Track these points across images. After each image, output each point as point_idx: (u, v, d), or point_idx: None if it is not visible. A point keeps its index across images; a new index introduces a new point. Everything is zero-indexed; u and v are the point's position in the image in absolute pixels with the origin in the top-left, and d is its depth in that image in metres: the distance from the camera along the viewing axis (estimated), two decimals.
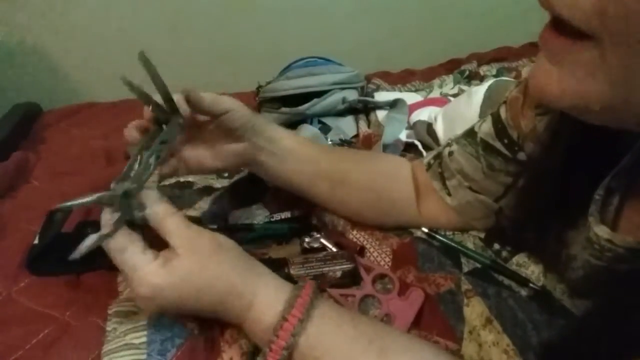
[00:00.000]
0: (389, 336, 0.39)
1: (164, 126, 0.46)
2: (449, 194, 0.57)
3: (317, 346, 0.37)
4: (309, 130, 0.89)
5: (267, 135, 0.56)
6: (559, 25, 0.26)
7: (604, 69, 0.25)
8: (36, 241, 0.56)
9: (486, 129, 0.53)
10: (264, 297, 0.40)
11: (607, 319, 0.32)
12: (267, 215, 0.64)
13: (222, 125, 0.52)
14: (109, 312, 0.48)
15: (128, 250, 0.39)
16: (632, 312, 0.30)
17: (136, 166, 0.42)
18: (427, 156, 0.62)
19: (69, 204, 0.39)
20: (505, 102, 0.52)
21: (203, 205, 0.65)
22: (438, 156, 0.59)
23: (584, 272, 0.41)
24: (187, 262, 0.39)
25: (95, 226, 0.57)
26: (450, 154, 0.57)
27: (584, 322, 0.38)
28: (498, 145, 0.52)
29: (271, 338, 0.37)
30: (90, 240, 0.39)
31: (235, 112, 0.52)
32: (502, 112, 0.51)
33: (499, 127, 0.51)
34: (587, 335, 0.33)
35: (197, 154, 0.54)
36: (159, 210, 0.41)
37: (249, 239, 0.57)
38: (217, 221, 0.62)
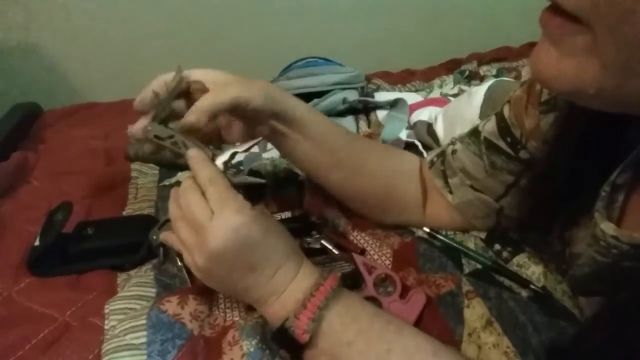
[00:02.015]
0: (403, 322, 0.43)
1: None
2: (451, 192, 0.58)
3: (346, 314, 0.40)
4: None
5: (289, 118, 0.52)
6: (556, 8, 0.27)
7: (597, 54, 0.26)
8: (37, 242, 0.56)
9: (490, 128, 0.53)
10: (305, 267, 0.44)
11: (614, 321, 0.32)
12: None
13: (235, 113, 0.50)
14: (106, 310, 0.48)
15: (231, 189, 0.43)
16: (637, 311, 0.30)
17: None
18: (431, 154, 0.63)
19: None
20: (509, 102, 0.52)
21: None
22: (441, 154, 0.60)
23: (589, 269, 0.41)
24: (272, 219, 0.44)
25: (95, 226, 0.57)
26: (454, 152, 0.57)
27: (590, 324, 0.38)
28: (501, 143, 0.52)
29: (308, 297, 0.40)
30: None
31: (241, 101, 0.47)
32: (506, 111, 0.52)
33: (502, 126, 0.52)
34: (595, 338, 0.33)
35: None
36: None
37: None
38: None
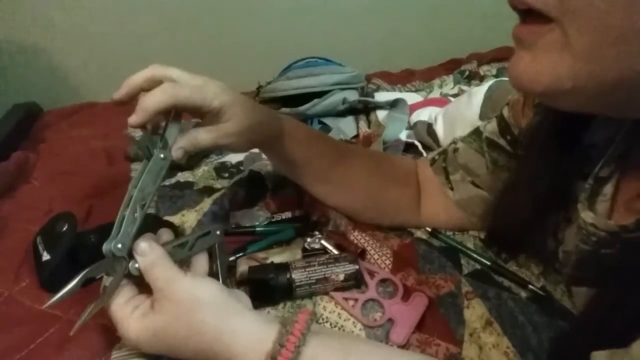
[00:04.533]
0: (381, 345, 0.41)
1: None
2: (452, 189, 0.58)
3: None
4: None
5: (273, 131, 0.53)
6: (526, 18, 0.30)
7: (569, 47, 0.28)
8: (45, 257, 0.53)
9: (491, 128, 0.55)
10: (241, 356, 0.38)
11: (604, 305, 0.34)
12: (267, 216, 0.64)
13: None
14: None
15: (112, 303, 0.41)
16: (622, 294, 0.32)
17: (126, 215, 0.41)
18: (432, 153, 0.64)
19: (61, 294, 0.39)
20: (508, 104, 0.53)
21: (203, 205, 0.65)
22: (443, 152, 0.61)
23: (575, 257, 0.43)
24: (159, 319, 0.39)
25: (96, 233, 0.56)
26: (455, 150, 0.59)
27: (583, 313, 0.39)
28: (502, 142, 0.53)
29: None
30: (87, 310, 0.40)
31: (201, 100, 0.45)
32: (505, 112, 0.53)
33: (503, 125, 0.53)
34: (589, 324, 0.35)
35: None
36: (143, 265, 0.41)
37: (257, 249, 0.57)
38: (218, 222, 0.62)
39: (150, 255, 0.41)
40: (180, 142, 0.45)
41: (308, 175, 0.58)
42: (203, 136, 0.46)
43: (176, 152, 0.45)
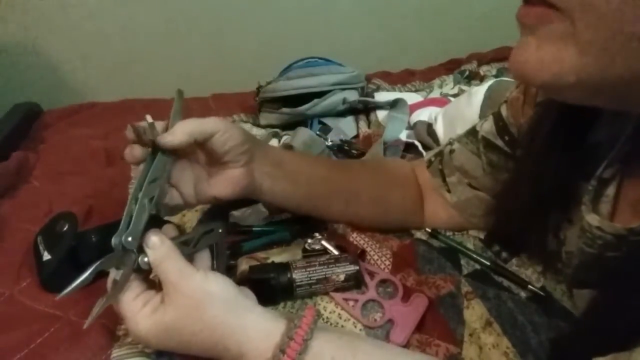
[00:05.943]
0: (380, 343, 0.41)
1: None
2: (449, 191, 0.58)
3: None
4: (306, 133, 0.89)
5: (271, 159, 0.52)
6: (532, 1, 0.28)
7: (575, 39, 0.27)
8: (46, 256, 0.53)
9: (487, 127, 0.54)
10: (251, 350, 0.38)
11: (607, 309, 0.33)
12: (267, 215, 0.64)
13: (210, 150, 0.47)
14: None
15: (121, 299, 0.40)
16: (626, 298, 0.31)
17: (135, 209, 0.41)
18: (429, 154, 0.63)
19: (73, 285, 0.38)
20: (506, 102, 0.52)
21: (204, 205, 0.65)
22: (439, 154, 0.60)
23: (578, 260, 0.42)
24: (170, 314, 0.39)
25: (96, 233, 0.56)
26: (451, 151, 0.58)
27: (585, 315, 0.38)
28: (499, 142, 0.52)
29: None
30: (97, 305, 0.40)
31: (221, 134, 0.46)
32: (503, 111, 0.52)
33: (500, 125, 0.52)
34: (591, 328, 0.35)
35: (190, 185, 0.49)
36: (153, 258, 0.41)
37: (253, 248, 0.57)
38: (217, 221, 0.62)
39: (161, 248, 0.41)
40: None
41: (321, 193, 0.56)
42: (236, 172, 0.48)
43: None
